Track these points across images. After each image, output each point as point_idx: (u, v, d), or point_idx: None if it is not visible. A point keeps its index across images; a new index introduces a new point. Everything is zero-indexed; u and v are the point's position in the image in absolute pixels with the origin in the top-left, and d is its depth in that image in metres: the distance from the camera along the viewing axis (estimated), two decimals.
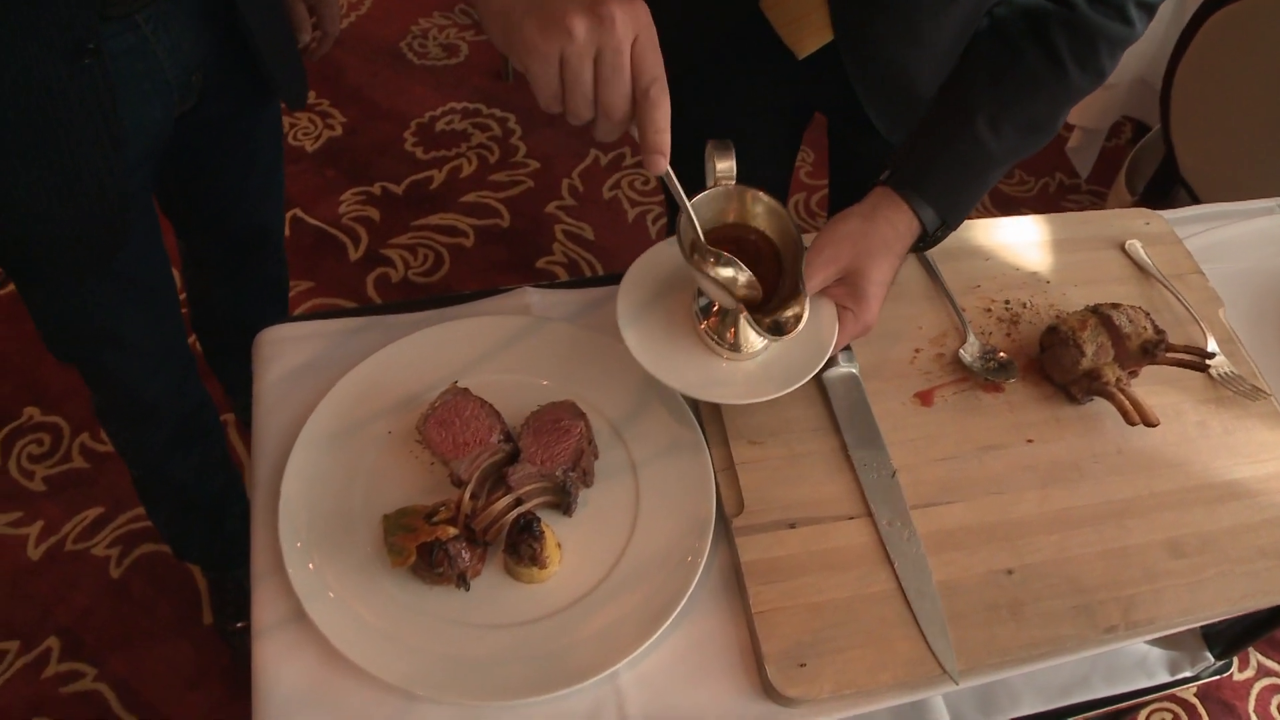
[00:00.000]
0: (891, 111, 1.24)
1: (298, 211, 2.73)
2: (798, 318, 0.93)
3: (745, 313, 0.92)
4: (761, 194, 0.97)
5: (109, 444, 2.28)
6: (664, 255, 1.07)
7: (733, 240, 0.98)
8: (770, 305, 0.95)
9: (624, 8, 0.75)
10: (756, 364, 1.02)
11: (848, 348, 1.09)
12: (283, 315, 1.91)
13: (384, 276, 2.60)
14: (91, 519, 2.17)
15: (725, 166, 0.95)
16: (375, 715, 0.89)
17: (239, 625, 1.95)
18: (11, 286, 2.55)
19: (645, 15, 0.77)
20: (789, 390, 0.99)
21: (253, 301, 1.82)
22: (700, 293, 1.04)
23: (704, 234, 0.94)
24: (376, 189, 2.81)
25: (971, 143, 1.04)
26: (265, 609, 0.95)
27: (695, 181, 0.95)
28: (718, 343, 1.01)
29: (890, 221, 1.04)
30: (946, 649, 0.92)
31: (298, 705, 0.89)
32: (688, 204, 0.92)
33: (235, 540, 1.89)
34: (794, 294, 0.94)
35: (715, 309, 1.02)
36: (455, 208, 2.77)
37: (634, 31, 0.76)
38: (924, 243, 1.07)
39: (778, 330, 0.93)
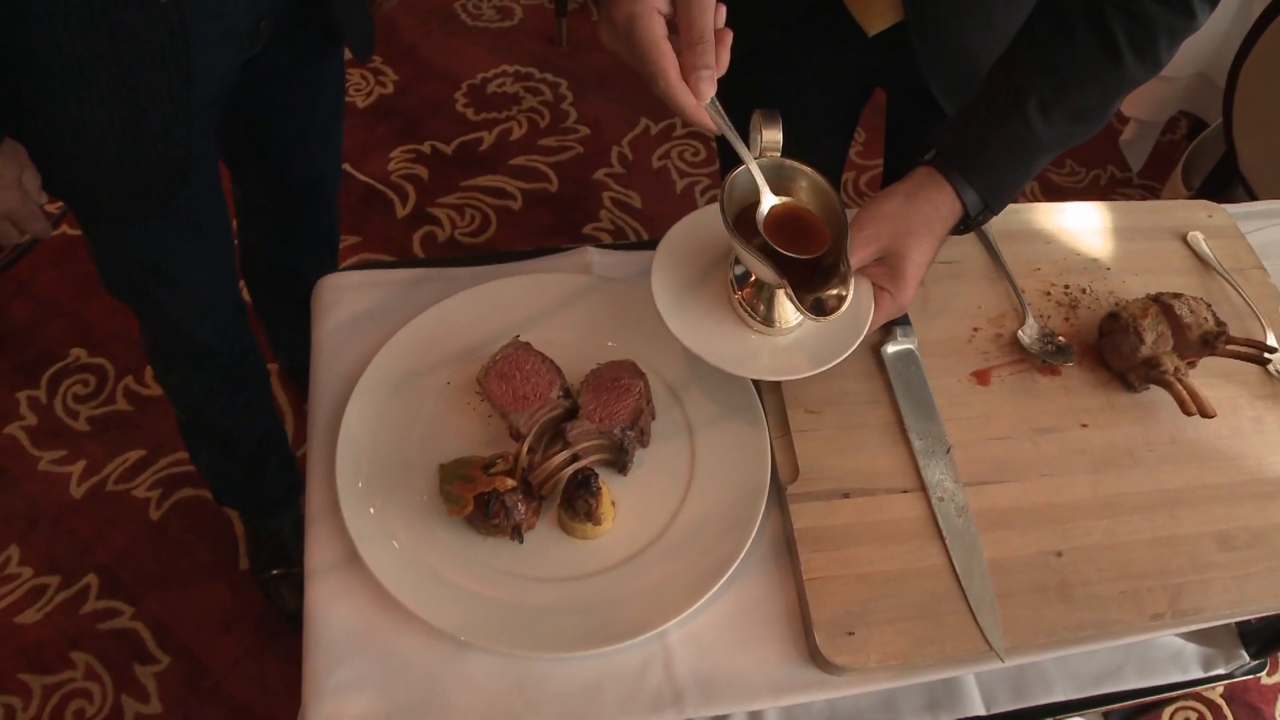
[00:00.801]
0: (957, 90, 1.24)
1: (347, 166, 2.74)
2: (840, 298, 0.92)
3: (788, 289, 0.89)
4: (807, 168, 0.95)
5: (153, 387, 2.31)
6: (704, 221, 1.05)
7: (778, 214, 0.97)
8: (812, 282, 0.95)
9: None
10: (790, 340, 1.01)
11: (907, 322, 1.09)
12: (332, 266, 1.94)
13: (430, 235, 2.62)
14: (133, 461, 2.21)
15: (772, 137, 0.93)
16: (424, 661, 0.90)
17: (274, 573, 1.98)
18: (63, 230, 2.59)
19: None
20: (820, 370, 0.98)
21: (304, 251, 1.84)
22: (737, 261, 1.03)
23: (748, 206, 0.93)
24: (426, 148, 2.82)
25: (1021, 127, 1.01)
26: (318, 552, 0.97)
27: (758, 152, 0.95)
28: (750, 315, 1.00)
29: (932, 202, 1.02)
30: (994, 626, 0.92)
31: (347, 647, 0.91)
32: (748, 153, 0.91)
33: (274, 488, 1.91)
34: (837, 273, 0.93)
35: (752, 280, 1.01)
36: (504, 170, 2.78)
37: None
38: (964, 225, 1.05)
39: (820, 310, 0.92)
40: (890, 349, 1.09)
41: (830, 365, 0.98)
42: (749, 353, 0.99)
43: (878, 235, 1.00)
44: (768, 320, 1.00)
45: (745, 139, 0.93)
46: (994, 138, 1.02)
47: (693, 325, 0.99)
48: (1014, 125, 1.02)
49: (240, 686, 1.92)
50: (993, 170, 1.03)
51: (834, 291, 0.92)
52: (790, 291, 0.89)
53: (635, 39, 0.84)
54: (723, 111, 0.88)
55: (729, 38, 0.87)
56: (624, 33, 0.85)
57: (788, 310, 1.00)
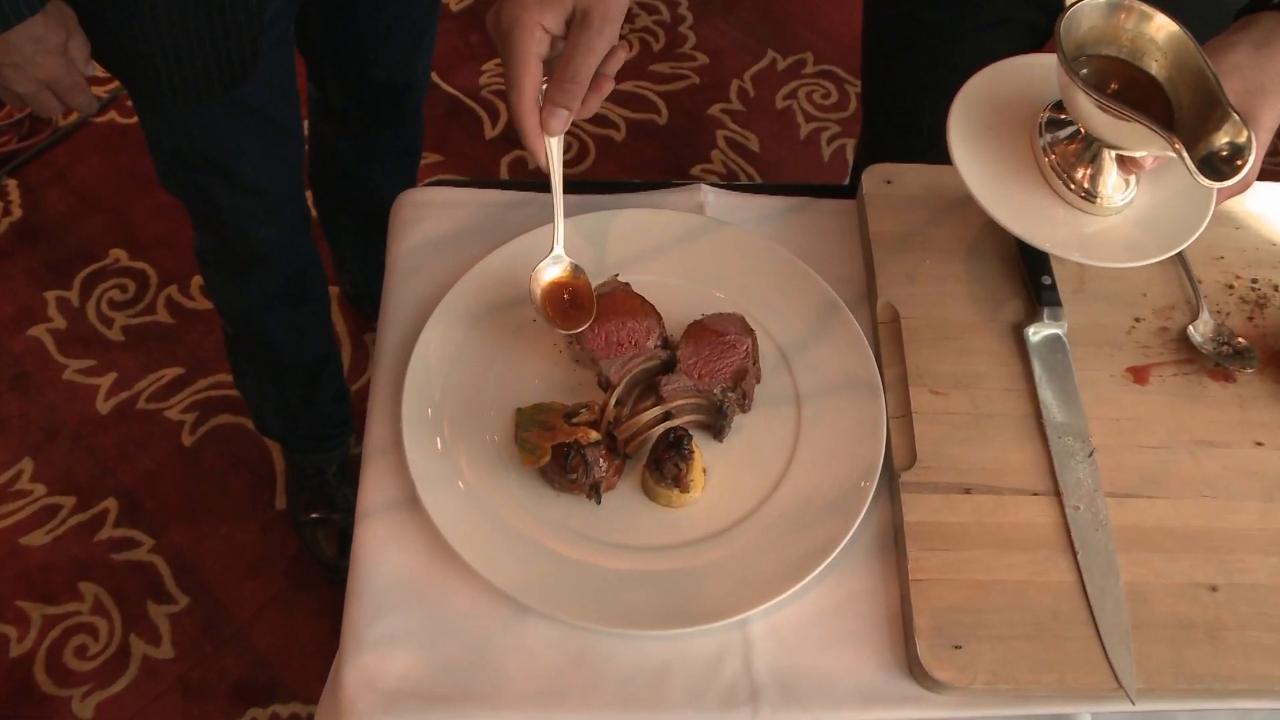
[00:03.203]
0: None
1: (434, 76, 2.78)
2: (1237, 150, 0.87)
3: (1178, 146, 0.85)
4: (1155, 11, 0.94)
5: (199, 300, 2.37)
6: (1012, 73, 1.05)
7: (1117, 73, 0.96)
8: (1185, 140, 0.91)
9: None
10: (1110, 223, 1.00)
11: (1057, 302, 1.09)
12: (410, 184, 1.97)
13: (520, 161, 2.65)
14: (169, 379, 2.28)
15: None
16: (478, 623, 0.93)
17: (313, 516, 2.04)
18: (111, 116, 2.66)
19: None
20: (1145, 263, 0.97)
21: (380, 163, 1.87)
22: (1053, 121, 1.02)
23: (1079, 59, 0.93)
24: None
25: None
26: (374, 489, 1.00)
27: None
28: (1066, 183, 1.00)
29: None
30: (1126, 661, 0.92)
31: (395, 597, 0.94)
32: (560, 202, 0.99)
33: (324, 421, 1.96)
34: (1219, 125, 0.89)
35: (1077, 136, 0.99)
36: (609, 95, 2.79)
37: None
38: None
39: (1213, 170, 0.87)
40: (1035, 331, 1.09)
41: (1177, 251, 0.98)
42: (1066, 229, 1.00)
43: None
44: (1089, 194, 1.00)
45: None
46: None
47: (995, 187, 1.00)
48: None
49: (263, 635, 1.98)
50: None
51: (1224, 139, 0.88)
52: (1180, 148, 0.86)
53: (510, 45, 0.93)
54: (558, 156, 0.97)
55: (607, 87, 0.96)
56: (504, 32, 0.93)
57: (1113, 181, 0.99)
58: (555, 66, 0.94)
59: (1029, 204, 1.02)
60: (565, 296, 1.03)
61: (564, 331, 1.02)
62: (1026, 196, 1.02)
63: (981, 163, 1.01)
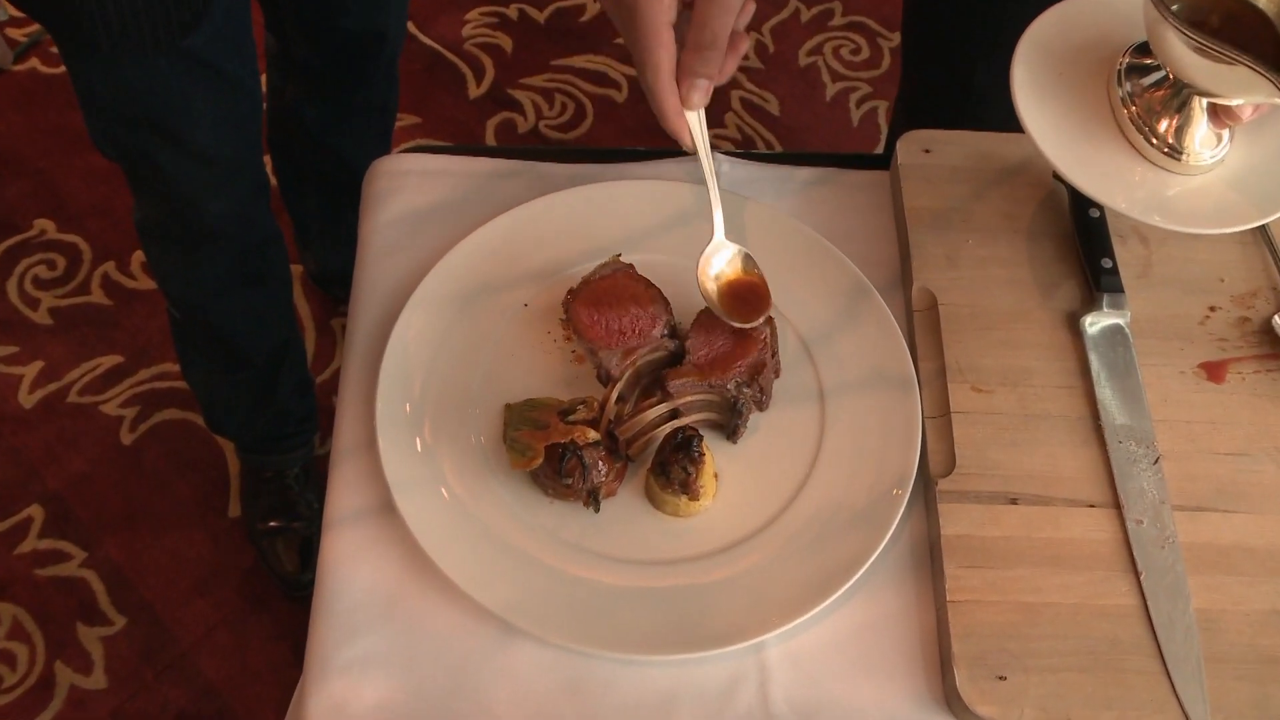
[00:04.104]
0: None
1: (410, 25, 2.78)
2: None
3: None
4: None
5: (140, 279, 2.37)
6: (1088, 11, 1.06)
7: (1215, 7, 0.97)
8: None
9: None
10: (1197, 184, 1.00)
11: (1119, 289, 1.10)
12: (383, 148, 1.98)
13: (509, 123, 2.66)
14: (106, 369, 2.28)
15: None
16: (460, 646, 0.94)
17: (272, 524, 2.05)
18: (32, 64, 2.64)
19: None
20: (1264, 222, 0.98)
21: (350, 125, 1.88)
22: (1130, 65, 1.02)
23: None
24: (513, 11, 2.85)
25: None
26: (343, 495, 1.01)
27: None
28: (1147, 137, 1.00)
29: None
30: (1198, 698, 0.92)
31: (366, 617, 0.95)
32: (715, 185, 0.99)
33: (285, 417, 1.97)
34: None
35: (1163, 82, 1.00)
36: (608, 50, 2.80)
37: None
38: None
39: None
40: (1093, 321, 1.10)
41: (1253, 225, 0.98)
42: (1133, 187, 1.00)
43: None
44: (1173, 149, 1.00)
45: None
46: None
47: (1064, 141, 1.00)
48: None
49: (212, 661, 1.98)
50: None
51: None
52: None
53: (638, 16, 0.92)
54: (705, 128, 0.97)
55: (744, 45, 0.96)
56: (627, 5, 0.92)
57: (1202, 135, 1.00)
58: (689, 32, 0.94)
59: (1102, 161, 1.02)
60: (739, 291, 1.04)
61: (740, 325, 1.02)
62: (1100, 152, 1.02)
63: (1050, 114, 1.02)
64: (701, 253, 1.03)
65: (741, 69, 2.78)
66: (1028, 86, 1.03)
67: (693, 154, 1.00)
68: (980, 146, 1.20)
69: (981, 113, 1.20)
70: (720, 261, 1.04)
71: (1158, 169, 1.02)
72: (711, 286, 1.03)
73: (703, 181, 1.03)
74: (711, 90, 0.96)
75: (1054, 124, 1.02)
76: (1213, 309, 1.13)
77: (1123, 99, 1.02)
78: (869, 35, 2.88)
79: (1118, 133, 1.03)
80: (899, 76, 1.65)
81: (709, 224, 1.05)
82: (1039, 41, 1.05)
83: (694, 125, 0.98)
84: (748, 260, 1.05)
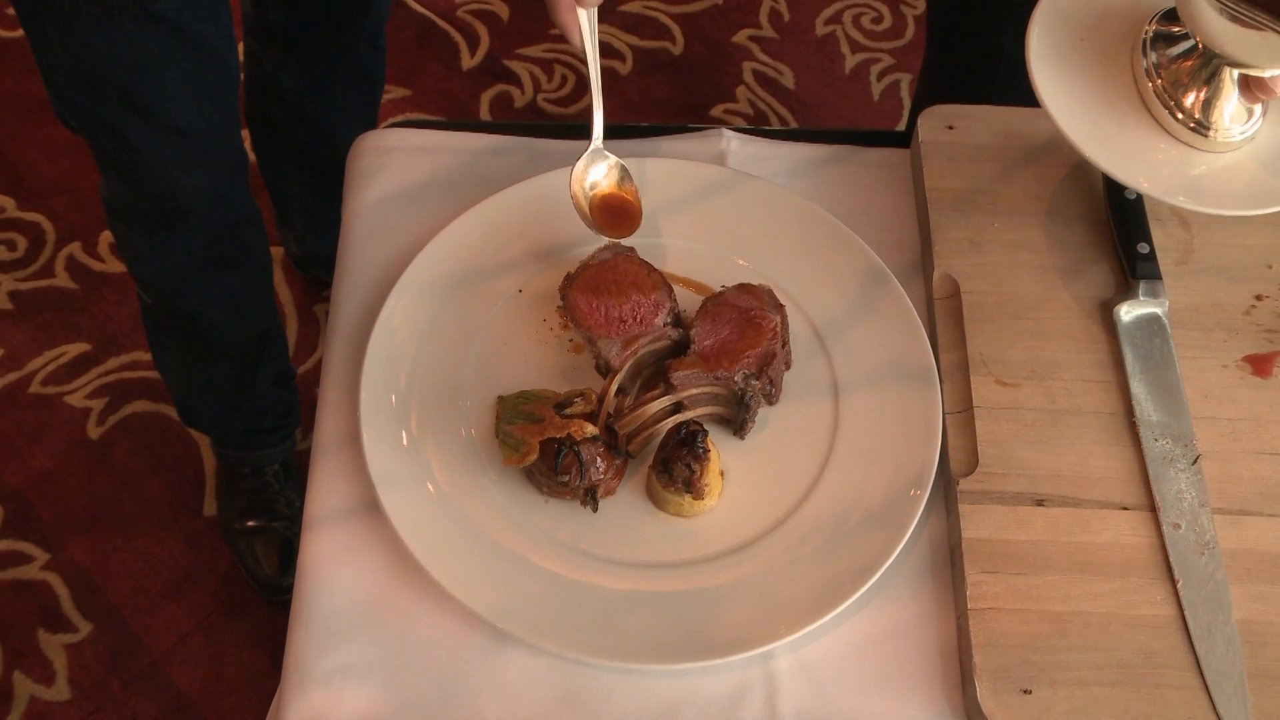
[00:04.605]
0: None
1: None
2: None
3: None
4: None
5: (109, 261, 2.37)
6: None
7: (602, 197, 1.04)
8: None
9: None
10: (1227, 161, 1.00)
11: (1156, 275, 1.10)
12: (369, 122, 1.98)
13: (504, 97, 2.66)
14: (72, 357, 2.28)
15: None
16: (449, 654, 0.95)
17: (250, 524, 2.04)
18: None
19: None
20: (1267, 211, 0.98)
21: (333, 97, 1.87)
22: (1157, 34, 1.02)
23: None
24: None
25: None
26: (325, 493, 1.02)
27: None
28: (1173, 111, 1.00)
29: None
30: (1241, 716, 0.92)
31: (349, 623, 0.96)
32: (599, 91, 1.01)
33: (264, 410, 1.97)
34: None
35: (1192, 52, 1.00)
36: (612, 18, 2.79)
37: None
38: None
39: None
40: (1128, 310, 1.10)
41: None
42: (1157, 165, 1.00)
43: None
44: (1200, 125, 1.01)
45: None
46: None
47: (1083, 116, 1.00)
48: None
49: (185, 671, 1.98)
50: None
51: None
52: None
53: None
54: (593, 31, 1.01)
55: None
56: None
57: (1232, 110, 1.00)
58: None
59: (1124, 137, 1.02)
60: (611, 205, 1.08)
61: (614, 239, 1.06)
62: (1121, 127, 1.02)
63: (1068, 85, 1.02)
64: (577, 159, 1.07)
65: (754, 39, 2.78)
66: (1045, 55, 1.03)
67: (580, 55, 1.03)
68: (1008, 123, 1.20)
69: (1012, 86, 1.20)
70: (597, 173, 1.07)
71: (1184, 146, 1.02)
72: (583, 196, 1.06)
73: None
74: None
75: (1072, 96, 1.02)
76: (1259, 298, 1.13)
77: (1147, 70, 1.03)
78: (892, 2, 2.87)
79: (1141, 106, 1.03)
80: (924, 47, 1.65)
81: (720, 206, 1.05)
82: (1058, 6, 1.05)
83: (584, 24, 1.00)
84: (624, 174, 1.07)
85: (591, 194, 1.07)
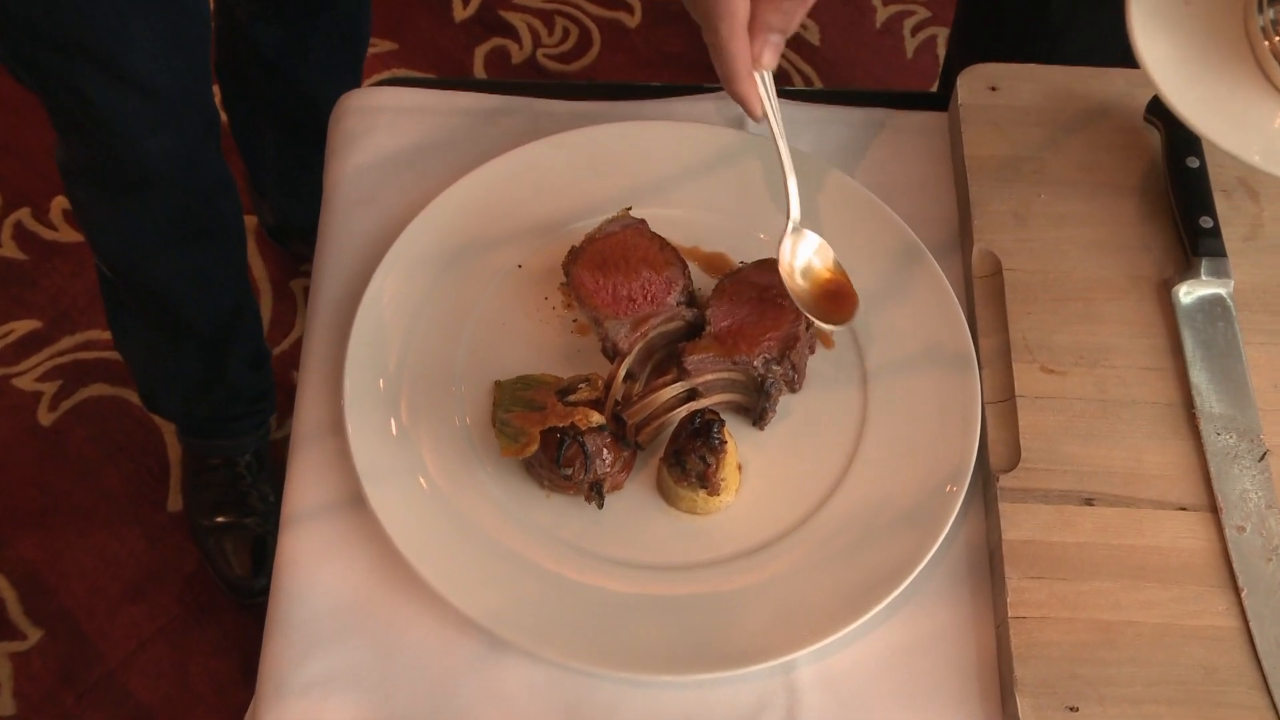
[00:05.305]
0: None
1: None
2: None
3: None
4: None
5: (63, 229, 2.37)
6: None
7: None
8: None
9: None
10: None
11: (1221, 252, 1.10)
12: (353, 80, 1.98)
13: (500, 51, 2.66)
14: (20, 336, 2.29)
15: None
16: (439, 660, 0.95)
17: (219, 520, 2.05)
18: None
19: None
20: None
21: (314, 53, 1.87)
22: None
23: None
24: None
25: None
26: (305, 486, 1.02)
27: None
28: None
29: None
30: None
31: (331, 628, 0.96)
32: (788, 155, 1.00)
33: (236, 395, 1.98)
34: None
35: None
36: None
37: None
38: None
39: None
40: (1188, 291, 1.10)
41: None
42: (1274, 136, 1.00)
43: None
44: None
45: None
46: None
47: (1188, 79, 1.00)
48: None
49: (146, 681, 1.99)
50: None
51: None
52: None
53: None
54: (774, 95, 1.00)
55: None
56: None
57: None
58: None
59: (1235, 103, 1.00)
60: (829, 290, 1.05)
61: (830, 327, 1.03)
62: (1232, 93, 1.01)
63: (1171, 44, 1.01)
64: (780, 242, 1.04)
65: None
66: (1146, 9, 1.02)
67: (760, 122, 1.03)
68: (1057, 83, 1.20)
69: (1059, 42, 1.20)
70: (806, 252, 1.05)
71: None
72: (802, 286, 1.04)
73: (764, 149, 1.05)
74: (781, 50, 0.99)
75: (1176, 56, 1.01)
76: None
77: (1263, 28, 1.01)
78: None
79: (1255, 70, 1.02)
80: None
81: (738, 174, 1.05)
82: None
83: (764, 89, 1.00)
84: (825, 252, 1.05)
85: (805, 280, 1.04)
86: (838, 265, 1.05)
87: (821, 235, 1.08)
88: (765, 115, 1.02)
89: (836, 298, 1.03)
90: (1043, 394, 1.05)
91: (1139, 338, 1.09)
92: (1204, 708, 0.93)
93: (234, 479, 2.06)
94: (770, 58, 0.99)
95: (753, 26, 0.97)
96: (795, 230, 1.04)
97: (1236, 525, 1.00)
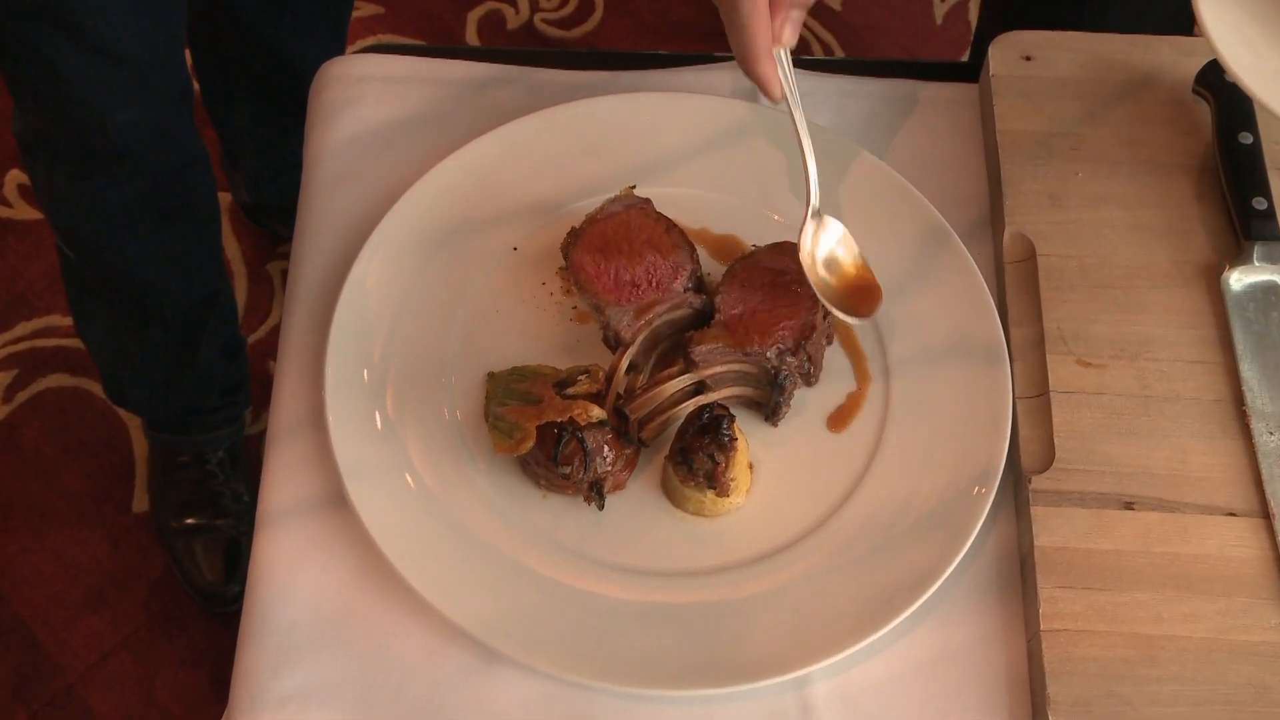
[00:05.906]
0: None
1: None
2: None
3: None
4: None
5: (20, 206, 2.38)
6: None
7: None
8: None
9: None
10: None
11: (1274, 236, 1.10)
12: (336, 47, 1.98)
13: (495, 16, 2.66)
14: None
15: None
16: (428, 675, 0.96)
17: (189, 522, 2.05)
18: None
19: None
20: None
21: (294, 17, 1.87)
22: None
23: None
24: None
25: None
26: (282, 484, 1.03)
27: None
28: None
29: None
30: None
31: (310, 638, 0.97)
32: (807, 136, 1.00)
33: (208, 387, 1.97)
34: None
35: None
36: None
37: None
38: None
39: None
40: (1239, 278, 1.10)
41: None
42: None
43: None
44: None
45: None
46: None
47: (1252, 46, 1.00)
48: None
49: (107, 696, 1.99)
50: None
51: None
52: None
53: None
54: (791, 70, 1.00)
55: None
56: None
57: None
58: None
59: None
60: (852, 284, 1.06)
61: (852, 320, 1.04)
62: None
63: (1237, 10, 1.01)
64: (801, 229, 1.04)
65: None
66: None
67: (779, 104, 1.03)
68: (1096, 52, 1.20)
69: (1098, 7, 1.20)
70: (829, 241, 1.05)
71: None
72: (826, 278, 1.04)
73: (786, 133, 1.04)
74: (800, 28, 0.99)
75: (1240, 23, 1.01)
76: None
77: None
78: None
79: None
80: None
81: (751, 151, 1.05)
82: None
83: (783, 68, 1.01)
84: (849, 244, 1.06)
85: (829, 272, 1.04)
86: (863, 260, 1.05)
87: (841, 217, 1.08)
88: (784, 97, 1.02)
89: (860, 291, 1.04)
90: (1079, 389, 1.05)
91: (1184, 328, 1.09)
92: None
93: (205, 477, 2.06)
94: (791, 34, 0.99)
95: (774, 3, 0.97)
96: (815, 216, 1.04)
97: None
